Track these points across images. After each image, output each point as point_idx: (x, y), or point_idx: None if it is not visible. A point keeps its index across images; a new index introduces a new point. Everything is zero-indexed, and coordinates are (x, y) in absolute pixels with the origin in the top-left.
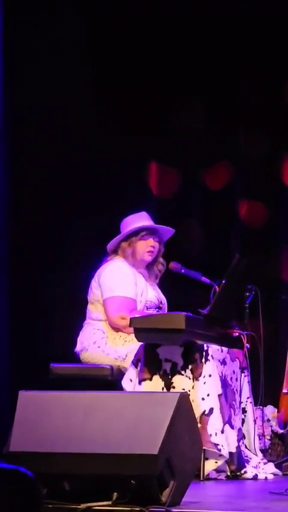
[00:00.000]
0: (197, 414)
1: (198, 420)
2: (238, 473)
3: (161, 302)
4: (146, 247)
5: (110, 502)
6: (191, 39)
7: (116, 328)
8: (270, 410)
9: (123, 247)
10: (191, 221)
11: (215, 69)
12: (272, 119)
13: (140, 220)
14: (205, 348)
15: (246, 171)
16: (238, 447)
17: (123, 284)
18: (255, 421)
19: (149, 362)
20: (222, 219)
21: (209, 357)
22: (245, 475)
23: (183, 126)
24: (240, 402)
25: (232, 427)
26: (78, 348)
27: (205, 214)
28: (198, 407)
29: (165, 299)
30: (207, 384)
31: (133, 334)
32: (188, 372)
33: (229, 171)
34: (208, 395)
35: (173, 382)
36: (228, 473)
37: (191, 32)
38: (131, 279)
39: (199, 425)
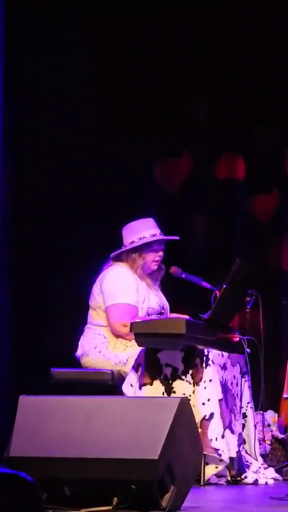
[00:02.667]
0: (198, 419)
1: (198, 425)
2: (238, 478)
3: (163, 307)
4: (155, 257)
5: (110, 507)
6: (200, 29)
7: (118, 335)
8: (270, 415)
9: (134, 258)
10: (197, 215)
11: (220, 61)
12: (281, 111)
13: (149, 228)
14: (205, 353)
15: (254, 163)
16: (238, 452)
17: (125, 291)
18: (255, 426)
19: (150, 367)
20: (227, 211)
21: (210, 362)
22: (246, 480)
23: (190, 120)
24: (241, 407)
25: (232, 432)
26: (79, 353)
27: (211, 207)
28: (199, 412)
29: (167, 304)
30: (207, 388)
31: (134, 341)
32: (189, 376)
33: (237, 163)
34: (208, 400)
35: (173, 387)
36: (229, 478)
37: (200, 22)
38: (132, 285)
39: (199, 430)
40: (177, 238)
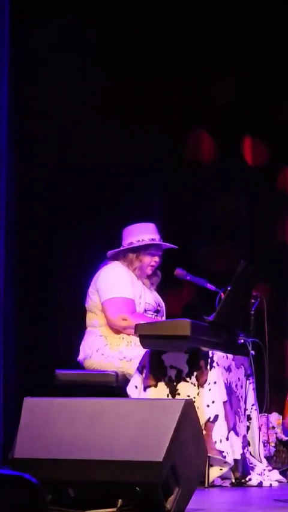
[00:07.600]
0: (202, 421)
1: (203, 427)
2: (243, 481)
3: (159, 305)
4: (151, 261)
5: (114, 509)
6: (230, 7)
7: (117, 330)
8: (275, 418)
9: (131, 258)
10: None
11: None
12: None
13: (149, 232)
14: (210, 355)
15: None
16: (243, 454)
17: (121, 285)
18: (260, 428)
19: (154, 369)
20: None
21: (214, 364)
22: (250, 482)
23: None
24: (245, 409)
25: (237, 434)
26: (81, 357)
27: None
28: (203, 414)
29: (163, 303)
30: (212, 390)
31: (134, 336)
32: (193, 378)
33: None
34: (213, 402)
35: (178, 389)
36: (233, 481)
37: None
38: (128, 279)
39: (204, 432)
40: (175, 247)
